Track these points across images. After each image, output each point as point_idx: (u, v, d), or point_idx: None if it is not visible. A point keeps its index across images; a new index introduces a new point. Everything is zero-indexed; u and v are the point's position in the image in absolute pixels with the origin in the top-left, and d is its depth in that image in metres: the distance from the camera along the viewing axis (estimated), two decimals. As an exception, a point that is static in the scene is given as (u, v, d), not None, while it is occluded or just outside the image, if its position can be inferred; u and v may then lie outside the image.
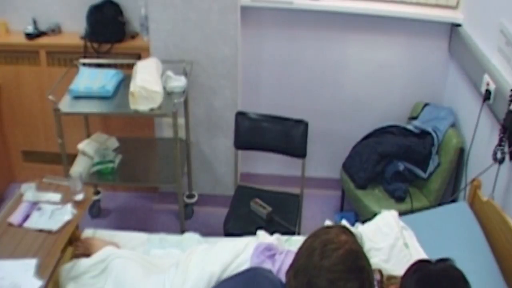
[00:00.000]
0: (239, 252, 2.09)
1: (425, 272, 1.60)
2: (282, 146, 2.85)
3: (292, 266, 1.56)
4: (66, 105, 2.72)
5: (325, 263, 1.46)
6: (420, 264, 1.66)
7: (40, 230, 2.10)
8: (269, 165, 3.59)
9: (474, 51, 2.75)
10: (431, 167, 2.94)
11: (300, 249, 1.57)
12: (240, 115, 2.87)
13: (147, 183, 3.21)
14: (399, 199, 2.93)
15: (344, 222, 2.28)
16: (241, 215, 2.78)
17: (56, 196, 2.27)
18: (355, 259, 1.49)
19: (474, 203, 2.42)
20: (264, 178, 3.58)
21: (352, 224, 2.26)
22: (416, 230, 2.32)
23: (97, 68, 2.99)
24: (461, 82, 3.00)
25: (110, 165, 2.95)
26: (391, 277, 1.96)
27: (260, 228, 2.34)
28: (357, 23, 3.14)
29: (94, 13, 3.08)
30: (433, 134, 2.97)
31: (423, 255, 2.11)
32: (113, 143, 3.13)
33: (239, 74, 3.19)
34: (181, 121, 3.05)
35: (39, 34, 3.18)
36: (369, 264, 1.53)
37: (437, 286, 1.56)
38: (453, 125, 3.00)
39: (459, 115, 3.04)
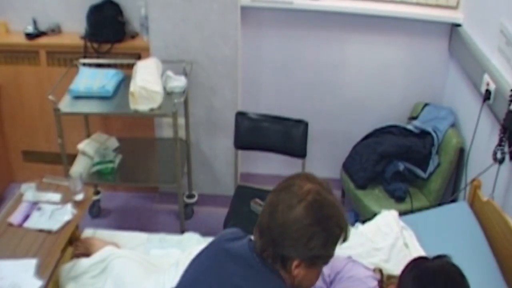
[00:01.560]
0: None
1: (422, 269, 1.61)
2: (282, 146, 2.85)
3: (257, 224, 1.50)
4: (66, 105, 2.72)
5: (287, 221, 1.40)
6: (417, 261, 1.67)
7: (40, 230, 2.10)
8: (269, 165, 3.59)
9: (474, 51, 2.75)
10: (431, 167, 2.94)
11: (264, 206, 1.49)
12: (240, 115, 2.87)
13: (147, 183, 3.21)
14: (399, 199, 2.93)
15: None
16: (241, 215, 2.78)
17: (56, 196, 2.27)
18: (319, 209, 1.41)
19: (474, 203, 2.42)
20: (264, 178, 3.57)
21: (352, 224, 2.26)
22: (416, 230, 2.33)
23: (97, 68, 2.99)
24: (461, 82, 3.00)
25: (110, 165, 2.95)
26: (391, 277, 1.96)
27: (260, 228, 2.33)
28: (357, 23, 3.14)
29: (94, 13, 3.08)
30: (433, 134, 2.97)
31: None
32: (113, 143, 3.13)
33: (239, 74, 3.19)
34: (181, 121, 3.04)
35: (39, 34, 3.18)
36: (335, 207, 1.44)
37: (434, 282, 1.56)
38: (453, 125, 3.00)
39: (459, 115, 3.04)
